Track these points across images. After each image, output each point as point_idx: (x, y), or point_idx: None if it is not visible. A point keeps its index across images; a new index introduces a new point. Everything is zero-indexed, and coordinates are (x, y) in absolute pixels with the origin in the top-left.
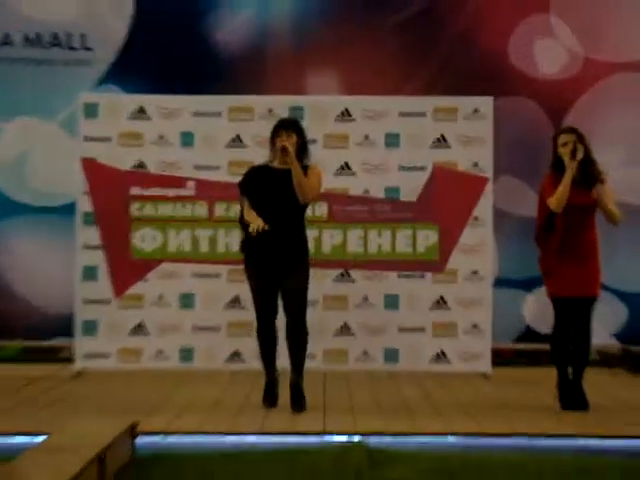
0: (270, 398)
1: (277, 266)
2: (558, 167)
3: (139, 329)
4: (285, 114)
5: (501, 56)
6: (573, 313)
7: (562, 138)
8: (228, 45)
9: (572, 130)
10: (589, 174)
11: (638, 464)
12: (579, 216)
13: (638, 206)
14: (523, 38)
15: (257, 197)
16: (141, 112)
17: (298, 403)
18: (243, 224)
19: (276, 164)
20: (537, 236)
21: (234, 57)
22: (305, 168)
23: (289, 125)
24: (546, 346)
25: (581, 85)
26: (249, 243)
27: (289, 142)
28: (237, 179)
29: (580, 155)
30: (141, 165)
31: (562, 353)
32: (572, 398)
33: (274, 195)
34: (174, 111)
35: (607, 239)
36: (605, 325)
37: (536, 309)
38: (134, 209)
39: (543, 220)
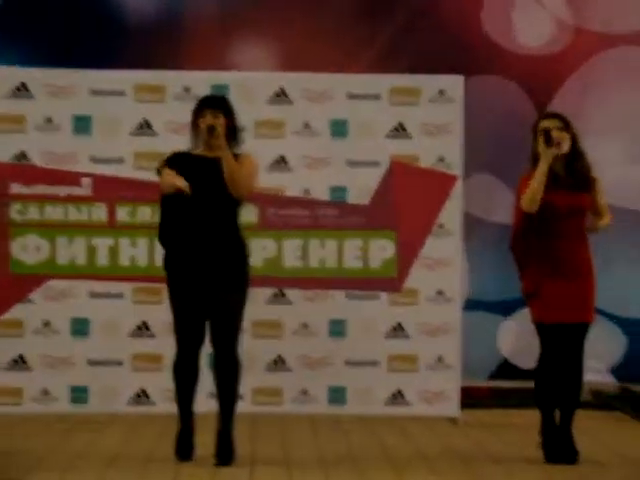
0: (184, 449)
1: (209, 282)
2: (537, 161)
3: (18, 363)
4: (205, 94)
5: (473, 25)
6: (562, 343)
7: (543, 125)
8: (136, 8)
9: (555, 115)
10: (577, 171)
11: None
12: (565, 222)
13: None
14: (500, 2)
15: (180, 192)
16: (22, 89)
17: (226, 455)
18: (165, 234)
19: (201, 151)
20: (513, 246)
21: (143, 23)
22: (235, 157)
23: (216, 104)
24: (528, 384)
25: (570, 62)
26: (173, 254)
27: (217, 123)
28: (144, 174)
29: (565, 147)
30: (23, 156)
31: (548, 392)
32: (559, 448)
33: (201, 190)
34: (65, 89)
35: (602, 252)
36: (600, 358)
37: (515, 338)
38: (14, 211)
39: (520, 226)
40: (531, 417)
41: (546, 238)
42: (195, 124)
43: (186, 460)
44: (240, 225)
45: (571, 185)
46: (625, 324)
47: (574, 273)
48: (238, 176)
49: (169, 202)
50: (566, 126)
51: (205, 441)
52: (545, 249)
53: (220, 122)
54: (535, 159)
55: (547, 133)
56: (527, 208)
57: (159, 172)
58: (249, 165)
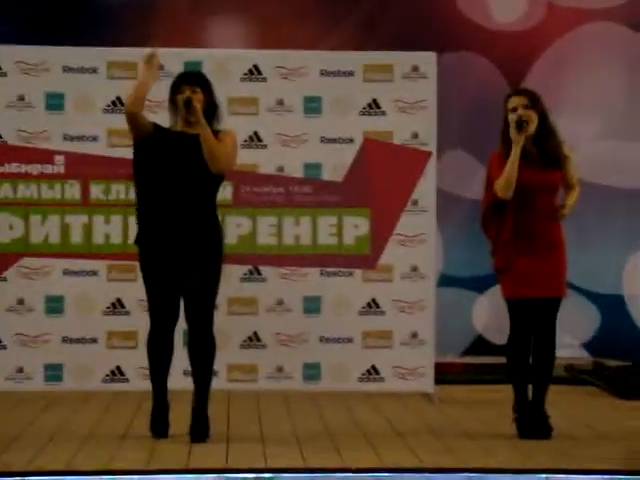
0: (160, 426)
1: (182, 259)
2: (506, 139)
3: None
4: (178, 71)
5: (446, 1)
6: (533, 318)
7: (511, 102)
8: None
9: (523, 92)
10: (547, 148)
11: None
12: (536, 199)
13: (614, 188)
14: None
15: (156, 168)
16: None
17: (202, 431)
18: (140, 209)
19: (180, 128)
20: (484, 223)
21: (116, 0)
22: (215, 134)
23: (193, 79)
24: (501, 359)
25: (544, 38)
26: (147, 230)
27: (195, 98)
28: (118, 152)
29: (531, 128)
30: None
31: (520, 368)
32: (531, 423)
33: (179, 166)
34: (37, 66)
35: (575, 228)
36: (573, 333)
37: (489, 314)
38: None
39: (489, 204)
40: (505, 393)
41: (517, 215)
42: (173, 100)
43: (161, 436)
44: (215, 203)
45: (542, 162)
46: (598, 299)
47: (545, 249)
48: (217, 151)
49: (145, 177)
50: (534, 103)
51: (181, 418)
52: (516, 226)
53: (198, 98)
54: (505, 136)
55: (519, 120)
56: (502, 194)
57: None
58: (229, 141)
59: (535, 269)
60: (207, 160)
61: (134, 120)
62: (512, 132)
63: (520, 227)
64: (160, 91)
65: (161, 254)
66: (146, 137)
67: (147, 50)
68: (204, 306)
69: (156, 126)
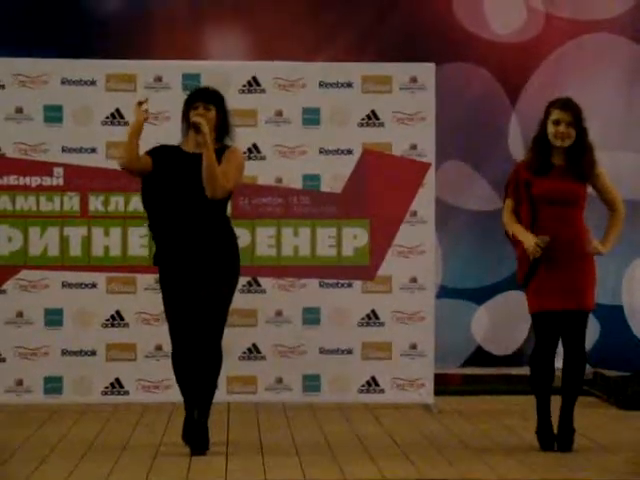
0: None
1: (200, 275)
2: (541, 143)
3: None
4: (177, 83)
5: (445, 12)
6: (558, 331)
7: (555, 114)
8: None
9: (568, 107)
10: (582, 164)
11: None
12: (559, 211)
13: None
14: None
15: (166, 186)
16: None
17: (202, 443)
18: (154, 229)
19: (188, 147)
20: (506, 233)
21: (114, 12)
22: (224, 149)
23: (209, 96)
24: (501, 370)
25: (543, 48)
26: (164, 249)
27: (206, 118)
28: (116, 164)
29: (565, 144)
30: None
31: (543, 380)
32: (553, 436)
33: (186, 185)
34: (36, 79)
35: None
36: None
37: (488, 326)
38: None
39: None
40: (504, 403)
41: (537, 227)
42: (186, 117)
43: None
44: (228, 217)
45: (571, 176)
46: (598, 310)
47: (570, 262)
48: (214, 175)
49: (155, 197)
50: (577, 120)
51: (180, 429)
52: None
53: (210, 116)
54: (538, 137)
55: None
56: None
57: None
58: (233, 161)
59: (558, 283)
60: (204, 184)
61: (131, 171)
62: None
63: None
64: (159, 103)
65: (179, 272)
66: (150, 171)
67: (139, 97)
68: (216, 319)
69: (157, 154)
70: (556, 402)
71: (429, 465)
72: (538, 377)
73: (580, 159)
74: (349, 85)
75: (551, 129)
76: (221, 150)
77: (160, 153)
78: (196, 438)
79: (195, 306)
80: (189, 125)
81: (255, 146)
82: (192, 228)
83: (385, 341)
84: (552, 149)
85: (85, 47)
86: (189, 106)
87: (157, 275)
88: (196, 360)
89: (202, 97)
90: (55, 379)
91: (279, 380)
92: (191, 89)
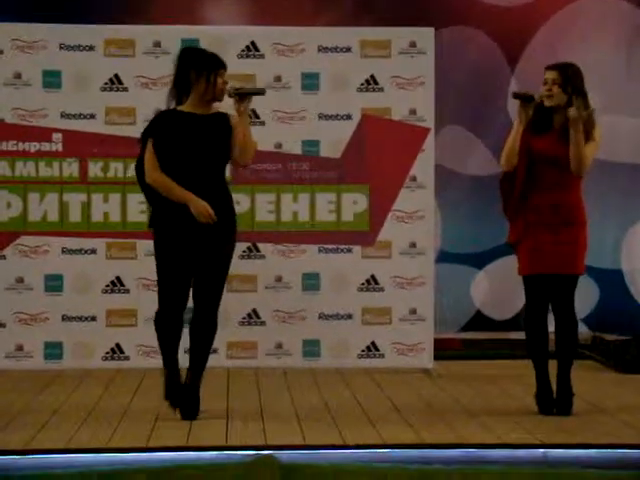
0: (176, 396)
1: (197, 239)
2: (540, 104)
3: None
4: (176, 48)
5: None
6: (548, 294)
7: (545, 75)
8: None
9: (554, 66)
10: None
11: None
12: (548, 173)
13: (612, 163)
14: None
15: (173, 152)
16: None
17: (193, 409)
18: (148, 188)
19: (189, 108)
20: (501, 182)
21: None
22: (221, 116)
23: (224, 66)
24: (500, 335)
25: (542, 12)
26: (161, 213)
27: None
28: (116, 129)
29: (551, 102)
30: None
31: (537, 343)
32: (552, 399)
33: (197, 149)
34: (34, 44)
35: None
36: None
37: (488, 290)
38: None
39: (501, 177)
40: (504, 368)
41: (531, 187)
42: (209, 78)
43: (177, 407)
44: (227, 181)
45: (563, 138)
46: (597, 274)
47: (560, 224)
48: (250, 145)
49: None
50: (566, 78)
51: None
52: (530, 197)
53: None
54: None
55: (524, 95)
56: (504, 166)
57: (146, 137)
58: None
59: (548, 245)
60: (240, 153)
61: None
62: (518, 107)
63: (533, 199)
64: (158, 68)
65: (176, 235)
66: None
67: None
68: (214, 285)
69: (163, 115)
70: (555, 366)
71: (428, 429)
72: (532, 340)
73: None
74: (348, 50)
75: (541, 89)
76: (219, 116)
77: (164, 122)
78: (188, 403)
79: (194, 268)
80: (213, 86)
81: (254, 112)
82: (197, 191)
83: (385, 306)
84: (553, 111)
85: (83, 12)
86: (212, 71)
87: None
88: (194, 324)
89: (223, 66)
90: (55, 345)
91: (279, 345)
92: (189, 47)
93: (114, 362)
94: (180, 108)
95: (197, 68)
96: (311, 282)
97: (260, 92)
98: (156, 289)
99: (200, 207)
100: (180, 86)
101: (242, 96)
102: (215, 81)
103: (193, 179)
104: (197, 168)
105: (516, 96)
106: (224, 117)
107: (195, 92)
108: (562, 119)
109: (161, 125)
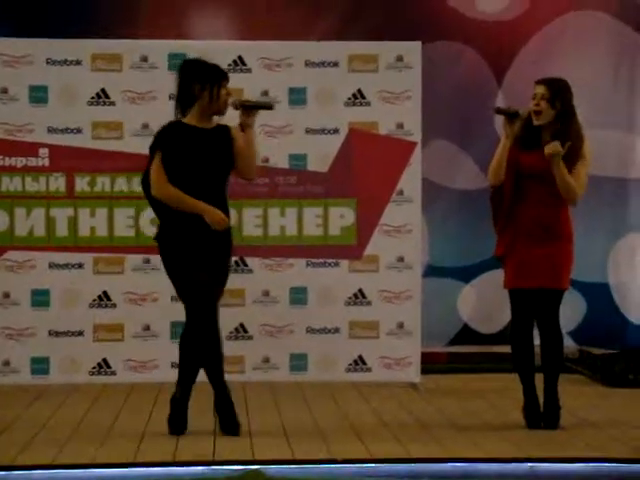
0: (180, 422)
1: (208, 251)
2: (529, 119)
3: None
4: (163, 63)
5: None
6: (533, 308)
7: (534, 90)
8: None
9: (543, 81)
10: (565, 142)
11: None
12: (535, 188)
13: (598, 177)
14: None
15: (181, 165)
16: None
17: (234, 424)
18: (156, 201)
19: (194, 122)
20: (492, 196)
21: None
22: (223, 129)
23: (227, 76)
24: (487, 348)
25: (529, 27)
26: (171, 227)
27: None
28: (102, 144)
29: (539, 120)
30: None
31: (523, 357)
32: (539, 413)
33: (203, 163)
34: (20, 59)
35: None
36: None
37: (475, 304)
38: None
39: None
40: (491, 381)
41: (518, 201)
42: (212, 91)
43: (181, 433)
44: (227, 196)
45: None
46: (584, 288)
47: (546, 239)
48: (254, 162)
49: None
50: (554, 93)
51: (165, 410)
52: (517, 212)
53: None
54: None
55: (509, 111)
56: (491, 181)
57: (154, 149)
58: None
59: (533, 259)
60: (244, 167)
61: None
62: (503, 123)
63: (520, 213)
64: (145, 83)
65: (189, 247)
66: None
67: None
68: (220, 296)
69: (172, 126)
70: (541, 380)
71: (416, 443)
72: (518, 354)
73: (564, 137)
74: (335, 64)
75: (529, 104)
76: (221, 129)
77: (173, 133)
78: (230, 419)
79: (212, 283)
80: (217, 99)
81: (241, 126)
82: (209, 204)
83: (372, 320)
84: (542, 127)
85: (70, 27)
86: (216, 82)
87: (144, 256)
88: (212, 339)
89: (225, 75)
90: (42, 360)
91: (266, 359)
92: (191, 59)
93: (101, 377)
94: (185, 120)
95: (201, 81)
96: (298, 296)
97: (268, 106)
98: (143, 304)
99: (215, 215)
100: (184, 100)
101: (249, 109)
102: (219, 94)
103: (198, 192)
104: (203, 181)
105: (499, 111)
106: (226, 130)
107: (199, 105)
108: (549, 135)
109: (169, 137)
